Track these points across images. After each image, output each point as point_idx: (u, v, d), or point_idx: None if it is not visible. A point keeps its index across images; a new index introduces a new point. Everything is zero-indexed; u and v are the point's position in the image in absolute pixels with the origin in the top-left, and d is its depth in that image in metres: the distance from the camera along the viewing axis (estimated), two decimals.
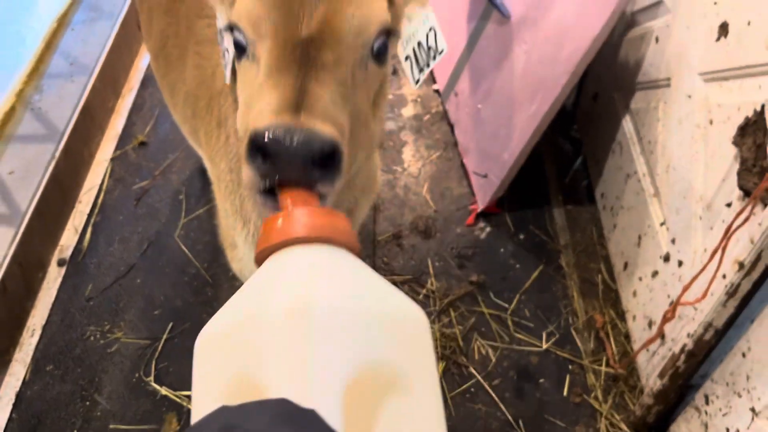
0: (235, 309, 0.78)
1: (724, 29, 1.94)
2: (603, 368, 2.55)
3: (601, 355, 2.60)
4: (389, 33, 1.14)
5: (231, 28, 1.12)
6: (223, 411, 0.64)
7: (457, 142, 3.41)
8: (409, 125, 3.57)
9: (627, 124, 2.74)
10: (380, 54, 1.14)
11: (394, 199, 3.19)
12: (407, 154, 3.43)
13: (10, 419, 2.42)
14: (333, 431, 0.62)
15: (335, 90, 1.01)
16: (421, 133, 3.53)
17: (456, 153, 3.39)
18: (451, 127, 3.49)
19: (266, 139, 0.89)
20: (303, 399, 0.64)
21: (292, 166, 0.90)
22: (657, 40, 2.45)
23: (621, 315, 2.70)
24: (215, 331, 0.78)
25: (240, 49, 1.12)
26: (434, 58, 1.36)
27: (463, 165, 3.31)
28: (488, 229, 3.06)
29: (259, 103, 0.99)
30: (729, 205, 1.86)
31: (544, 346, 2.63)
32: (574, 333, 2.68)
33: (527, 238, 3.03)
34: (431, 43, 1.42)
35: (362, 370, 0.68)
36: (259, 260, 0.83)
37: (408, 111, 3.64)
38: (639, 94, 2.63)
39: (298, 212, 0.84)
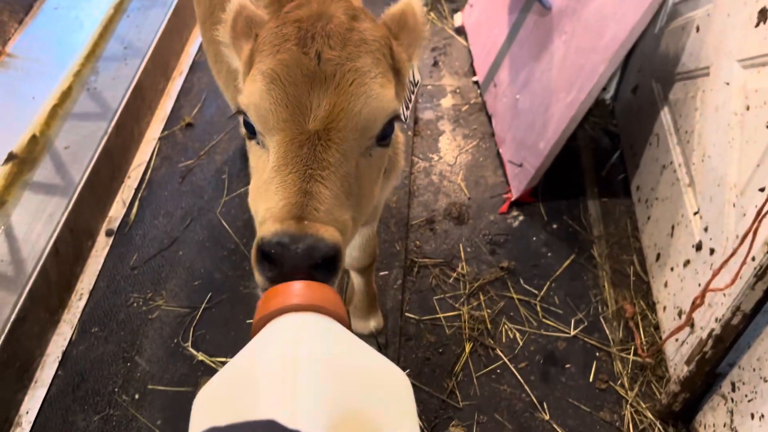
0: (229, 369, 0.84)
1: (763, 15, 1.94)
2: (631, 357, 2.56)
3: (630, 344, 2.60)
4: (395, 117, 1.16)
5: (240, 111, 1.16)
6: (214, 430, 0.69)
7: (494, 132, 3.44)
8: (447, 115, 3.62)
9: (665, 115, 2.74)
10: (385, 137, 1.17)
11: (429, 185, 3.24)
12: (444, 142, 3.48)
13: (56, 375, 2.55)
14: None
15: (339, 187, 1.05)
16: (458, 123, 3.57)
17: (492, 143, 3.42)
18: (489, 117, 3.53)
19: (272, 249, 0.95)
20: (291, 424, 0.69)
21: (296, 269, 0.96)
22: (698, 29, 2.45)
23: (651, 306, 2.69)
24: (211, 388, 0.83)
25: (250, 131, 1.16)
26: (412, 91, 1.41)
27: (498, 155, 3.34)
28: (521, 217, 3.09)
29: (266, 202, 1.04)
30: (762, 189, 1.86)
31: (572, 332, 2.65)
32: (603, 322, 2.69)
33: (560, 228, 3.05)
34: (410, 77, 1.45)
35: (343, 416, 0.73)
36: (256, 329, 0.89)
37: (447, 101, 3.69)
38: (678, 84, 2.63)
39: (294, 285, 0.91)
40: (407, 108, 1.38)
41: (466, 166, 3.34)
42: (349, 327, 0.91)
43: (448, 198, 3.18)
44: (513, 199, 3.10)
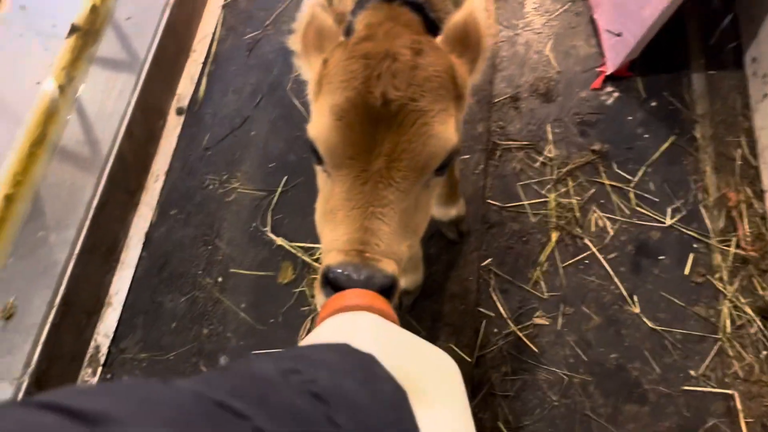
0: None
1: None
2: (732, 249, 2.39)
3: (731, 236, 2.42)
4: (454, 152, 1.21)
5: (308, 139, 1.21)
6: (295, 348, 0.76)
7: None
8: None
9: None
10: (443, 168, 1.21)
11: (513, 57, 2.97)
12: (530, 7, 3.13)
13: (140, 257, 2.60)
14: (389, 374, 0.72)
15: (398, 222, 1.14)
16: None
17: (586, 7, 3.06)
18: None
19: (336, 276, 1.07)
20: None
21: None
22: None
23: (759, 194, 2.47)
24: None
25: (317, 157, 1.21)
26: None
27: (593, 21, 3.00)
28: (616, 94, 2.82)
29: (331, 233, 1.15)
30: None
31: (668, 222, 2.48)
32: (702, 210, 2.50)
33: (659, 105, 2.77)
34: None
35: (394, 369, 0.78)
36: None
37: None
38: None
39: (349, 291, 1.05)
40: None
41: (555, 34, 3.02)
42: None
43: (535, 72, 2.91)
44: (608, 73, 2.81)
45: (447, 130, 1.18)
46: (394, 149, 1.12)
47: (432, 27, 1.41)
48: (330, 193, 1.19)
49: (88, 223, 2.41)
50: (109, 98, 2.75)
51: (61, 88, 2.80)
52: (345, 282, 1.06)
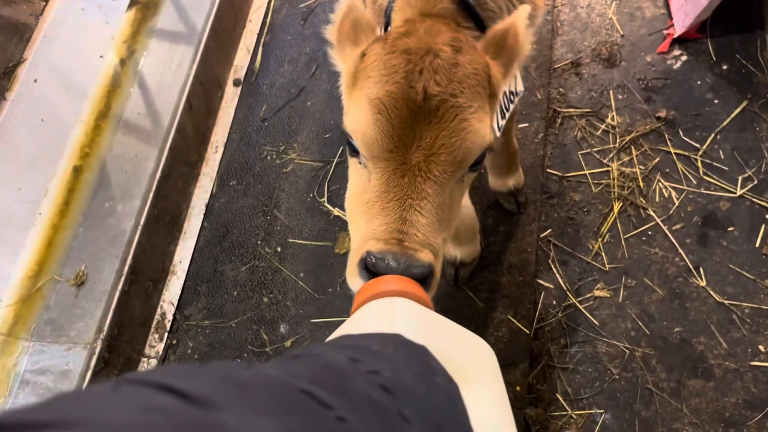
0: (336, 332, 0.98)
1: None
2: None
3: None
4: (489, 149, 1.23)
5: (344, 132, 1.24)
6: (351, 336, 0.76)
7: None
8: None
9: None
10: (477, 164, 1.23)
11: (575, 20, 2.86)
12: None
13: (202, 227, 2.67)
14: (440, 365, 0.73)
15: (435, 215, 1.16)
16: None
17: None
18: None
19: (375, 261, 1.09)
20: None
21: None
22: None
23: None
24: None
25: (353, 149, 1.23)
26: (512, 101, 1.41)
27: None
28: (684, 57, 2.69)
29: (369, 222, 1.16)
30: None
31: (739, 192, 2.38)
32: None
33: (731, 69, 2.63)
34: (512, 88, 1.47)
35: (438, 355, 0.79)
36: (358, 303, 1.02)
37: None
38: None
39: (386, 277, 1.07)
40: (503, 117, 1.39)
41: None
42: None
43: (597, 36, 2.81)
44: (676, 35, 2.68)
45: (484, 126, 1.20)
46: (434, 143, 1.14)
47: (478, 22, 1.40)
48: (366, 185, 1.21)
49: (152, 194, 2.48)
50: (168, 70, 2.80)
51: (123, 62, 2.87)
52: (384, 269, 1.08)
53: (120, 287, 2.35)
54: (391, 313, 0.91)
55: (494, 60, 1.30)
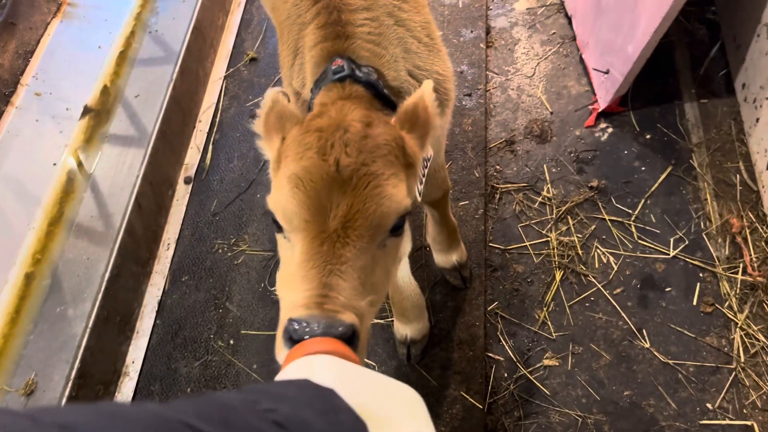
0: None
1: None
2: (739, 276, 2.37)
3: (738, 262, 2.40)
4: (406, 213, 1.28)
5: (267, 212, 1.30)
6: (258, 384, 0.78)
7: (575, 35, 3.15)
8: (522, 20, 3.33)
9: None
10: (397, 228, 1.28)
11: (506, 102, 3.03)
12: (520, 52, 3.21)
13: (155, 325, 2.67)
14: (348, 406, 0.74)
15: (356, 279, 1.18)
16: (535, 28, 3.28)
17: (574, 48, 3.13)
18: (569, 19, 3.22)
19: (297, 328, 1.08)
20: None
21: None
22: None
23: (762, 218, 2.46)
24: None
25: (278, 227, 1.28)
26: (426, 166, 1.49)
27: (582, 61, 3.06)
28: (610, 129, 2.85)
29: (292, 293, 1.17)
30: None
31: (672, 253, 2.47)
32: (706, 239, 2.49)
33: (654, 137, 2.79)
34: (425, 155, 1.54)
35: (353, 400, 0.81)
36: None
37: (521, 5, 3.39)
38: None
39: (309, 340, 1.07)
40: (421, 183, 1.46)
41: (546, 76, 3.09)
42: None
43: (529, 114, 2.97)
44: (600, 109, 2.85)
45: (399, 192, 1.26)
46: (349, 210, 1.19)
47: (388, 102, 1.51)
48: (291, 258, 1.24)
49: (101, 295, 2.49)
50: (120, 173, 2.87)
51: (76, 168, 2.94)
52: (305, 333, 1.07)
53: (67, 393, 2.31)
54: (310, 369, 0.93)
55: (410, 133, 1.39)
